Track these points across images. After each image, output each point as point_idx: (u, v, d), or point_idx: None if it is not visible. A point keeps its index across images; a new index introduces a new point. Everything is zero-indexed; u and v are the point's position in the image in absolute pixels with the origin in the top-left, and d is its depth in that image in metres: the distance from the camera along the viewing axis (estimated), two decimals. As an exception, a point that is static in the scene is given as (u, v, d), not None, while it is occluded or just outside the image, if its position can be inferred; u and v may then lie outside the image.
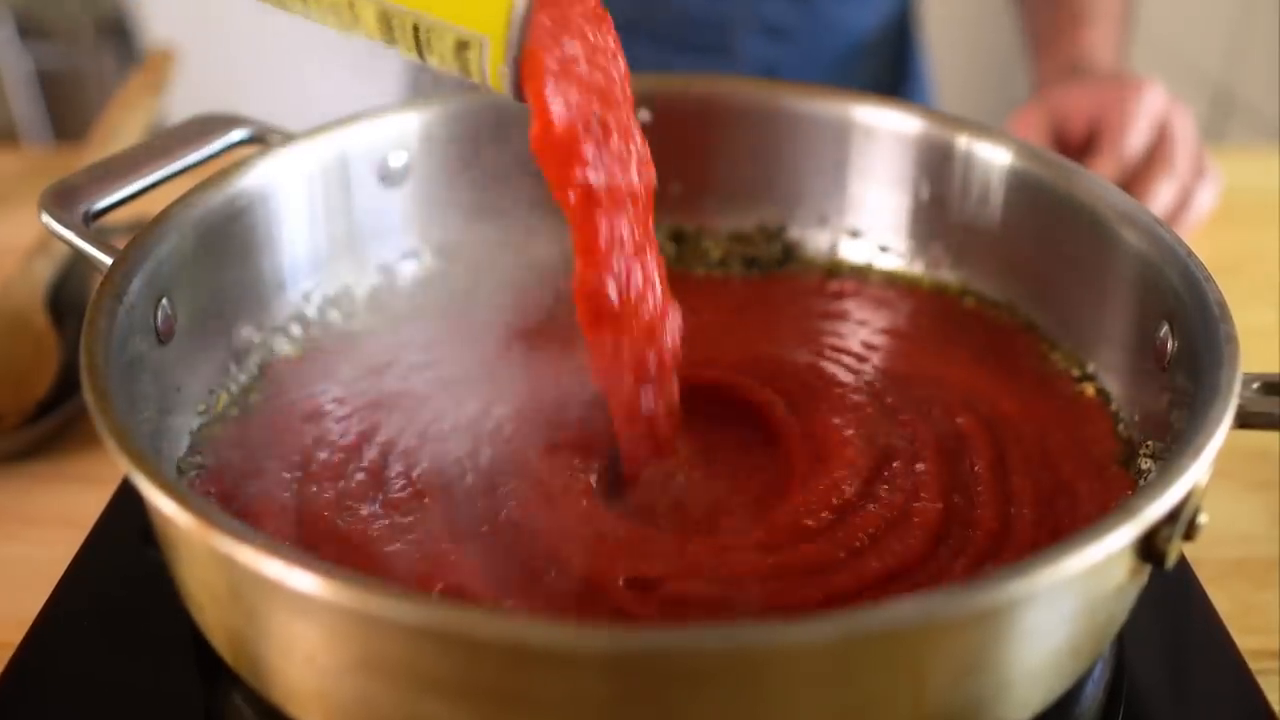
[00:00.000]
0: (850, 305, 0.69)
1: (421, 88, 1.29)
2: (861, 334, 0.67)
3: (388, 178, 0.69)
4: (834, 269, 0.73)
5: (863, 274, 0.72)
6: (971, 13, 1.96)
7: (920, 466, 0.55)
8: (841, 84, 0.70)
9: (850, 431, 0.57)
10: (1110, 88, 0.92)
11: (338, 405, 0.60)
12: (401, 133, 0.69)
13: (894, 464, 0.55)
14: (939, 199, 0.70)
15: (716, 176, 0.75)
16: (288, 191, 0.64)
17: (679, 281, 0.72)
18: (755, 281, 0.73)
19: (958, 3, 2.06)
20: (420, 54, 0.47)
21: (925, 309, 0.68)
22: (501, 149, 0.72)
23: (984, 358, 0.64)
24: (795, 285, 0.72)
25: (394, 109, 0.69)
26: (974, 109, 0.90)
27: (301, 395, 0.60)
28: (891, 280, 0.71)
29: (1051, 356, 0.64)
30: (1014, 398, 0.60)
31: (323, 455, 0.56)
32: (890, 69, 1.24)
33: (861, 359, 0.64)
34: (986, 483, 0.54)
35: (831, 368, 0.63)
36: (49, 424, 0.71)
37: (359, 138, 0.67)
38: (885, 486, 0.54)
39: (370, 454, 0.56)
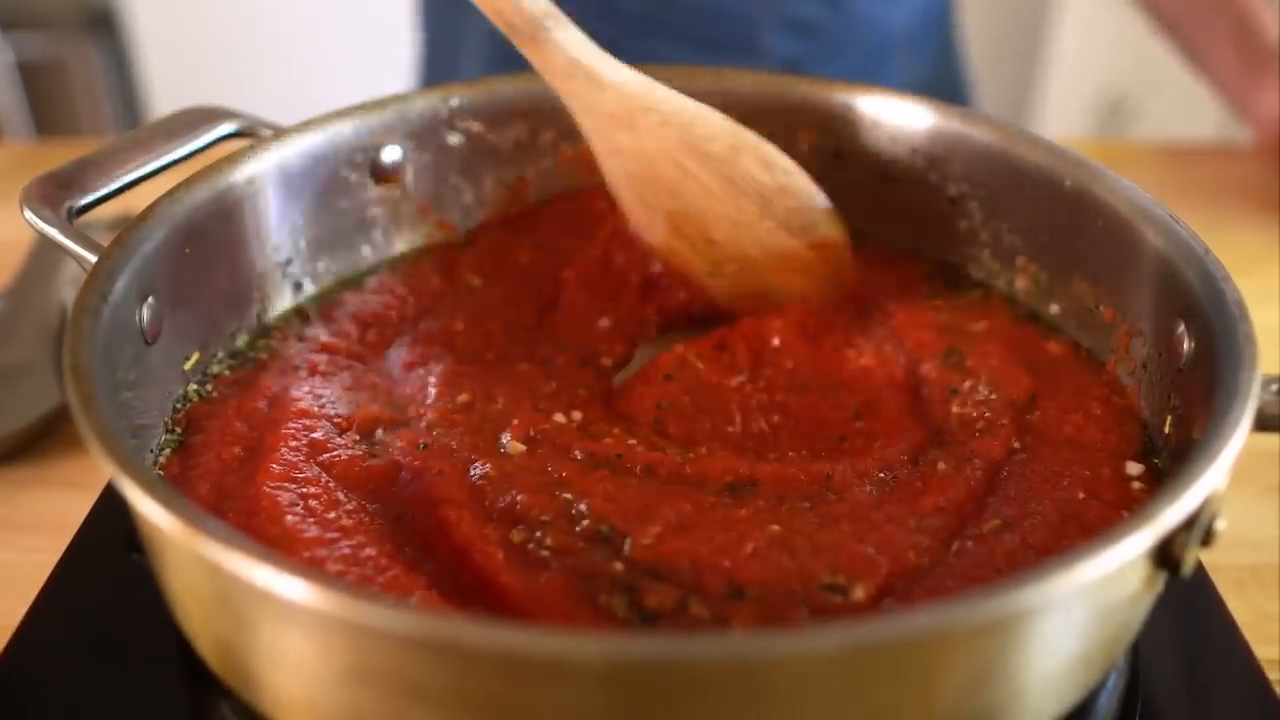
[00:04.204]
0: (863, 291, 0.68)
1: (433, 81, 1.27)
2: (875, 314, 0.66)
3: (380, 173, 0.68)
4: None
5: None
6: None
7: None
8: (872, 82, 0.69)
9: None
10: None
11: (331, 404, 0.58)
12: (395, 128, 0.68)
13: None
14: (951, 194, 0.69)
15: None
16: (277, 187, 0.63)
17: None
18: None
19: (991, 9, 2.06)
20: None
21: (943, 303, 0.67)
22: (496, 145, 0.71)
23: (1003, 349, 0.63)
24: None
25: (387, 103, 0.68)
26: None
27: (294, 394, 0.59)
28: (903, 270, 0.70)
29: (1066, 353, 0.63)
30: (1038, 388, 0.60)
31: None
32: (929, 69, 1.22)
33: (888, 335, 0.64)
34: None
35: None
36: (32, 427, 0.69)
37: (351, 132, 0.66)
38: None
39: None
